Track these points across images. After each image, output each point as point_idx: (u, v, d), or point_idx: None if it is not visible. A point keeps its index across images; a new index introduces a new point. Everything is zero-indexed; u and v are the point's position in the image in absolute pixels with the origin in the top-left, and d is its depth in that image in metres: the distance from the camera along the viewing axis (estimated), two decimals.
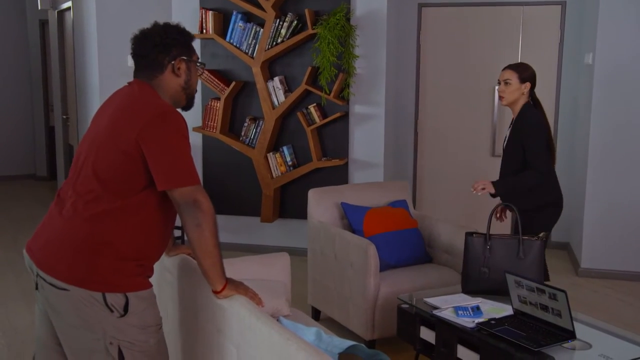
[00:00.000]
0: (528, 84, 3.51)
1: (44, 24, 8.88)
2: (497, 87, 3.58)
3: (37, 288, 2.08)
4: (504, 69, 3.57)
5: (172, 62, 2.15)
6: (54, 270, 2.00)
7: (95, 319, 1.99)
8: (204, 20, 5.35)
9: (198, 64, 2.24)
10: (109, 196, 2.01)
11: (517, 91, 3.51)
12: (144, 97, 2.09)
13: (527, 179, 3.43)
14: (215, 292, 2.15)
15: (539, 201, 3.50)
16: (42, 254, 2.04)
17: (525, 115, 3.51)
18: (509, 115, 5.82)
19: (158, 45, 2.13)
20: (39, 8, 7.39)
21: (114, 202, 2.01)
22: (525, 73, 3.52)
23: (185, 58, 2.17)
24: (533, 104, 3.58)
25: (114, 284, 2.01)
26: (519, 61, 4.23)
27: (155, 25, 2.19)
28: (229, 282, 2.16)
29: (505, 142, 3.65)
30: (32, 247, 2.10)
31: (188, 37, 2.22)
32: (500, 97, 3.58)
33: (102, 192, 2.01)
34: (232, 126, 5.57)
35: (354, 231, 3.85)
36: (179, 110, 2.18)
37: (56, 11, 7.09)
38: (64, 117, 7.26)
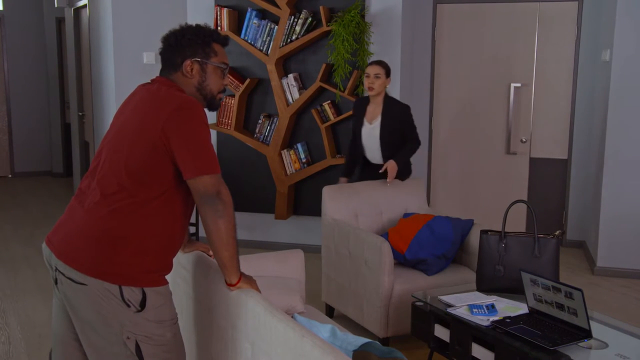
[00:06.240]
0: (390, 79, 4.26)
1: (60, 21, 8.95)
2: (365, 80, 4.22)
3: (56, 283, 2.11)
4: (372, 64, 4.21)
5: (184, 63, 2.17)
6: (73, 260, 2.02)
7: (112, 314, 2.01)
8: (218, 18, 5.36)
9: (219, 66, 2.22)
10: (133, 190, 2.03)
11: (384, 84, 4.21)
12: (166, 91, 2.13)
13: (413, 149, 4.26)
14: (230, 285, 2.17)
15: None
16: (63, 245, 2.06)
17: (394, 102, 4.26)
18: (526, 113, 5.81)
19: (172, 46, 2.18)
20: (56, 6, 7.46)
21: (137, 197, 2.04)
22: (389, 69, 4.23)
23: (199, 59, 2.18)
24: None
25: (131, 277, 2.02)
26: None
27: (182, 26, 2.23)
28: (242, 276, 2.18)
29: (379, 129, 4.23)
30: (53, 239, 2.12)
31: (208, 38, 2.20)
32: (370, 89, 4.19)
33: (126, 186, 2.03)
34: (246, 123, 5.58)
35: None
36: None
37: (72, 9, 7.14)
38: (80, 114, 7.32)
